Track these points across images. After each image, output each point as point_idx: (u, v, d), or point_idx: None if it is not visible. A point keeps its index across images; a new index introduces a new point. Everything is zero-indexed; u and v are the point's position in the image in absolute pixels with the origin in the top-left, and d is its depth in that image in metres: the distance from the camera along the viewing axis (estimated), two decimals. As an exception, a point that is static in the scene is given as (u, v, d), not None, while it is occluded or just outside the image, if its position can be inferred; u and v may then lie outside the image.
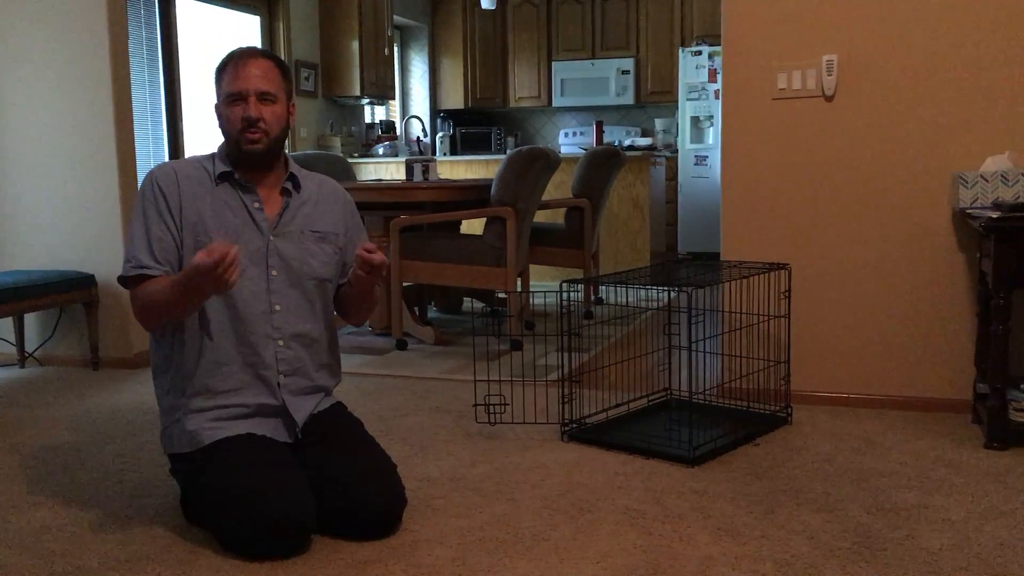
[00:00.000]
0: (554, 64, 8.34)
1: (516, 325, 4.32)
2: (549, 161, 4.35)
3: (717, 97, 7.00)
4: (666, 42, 7.99)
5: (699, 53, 7.47)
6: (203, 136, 5.64)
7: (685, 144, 7.56)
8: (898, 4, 3.06)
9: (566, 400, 2.89)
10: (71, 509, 2.34)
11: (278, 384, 2.19)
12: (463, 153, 8.02)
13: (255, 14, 6.31)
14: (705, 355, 2.98)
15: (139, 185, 4.04)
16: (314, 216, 2.27)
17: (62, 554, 2.06)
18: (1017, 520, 2.17)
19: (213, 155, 2.25)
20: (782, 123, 3.22)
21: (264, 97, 2.16)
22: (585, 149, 6.74)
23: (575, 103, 8.38)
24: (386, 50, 7.21)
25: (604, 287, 5.55)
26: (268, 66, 2.19)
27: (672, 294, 2.84)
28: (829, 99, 3.16)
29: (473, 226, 5.37)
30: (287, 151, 2.37)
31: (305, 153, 5.38)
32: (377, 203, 4.39)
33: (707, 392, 3.08)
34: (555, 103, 8.39)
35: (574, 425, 2.89)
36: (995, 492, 2.36)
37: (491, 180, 4.34)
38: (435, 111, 8.51)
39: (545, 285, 5.82)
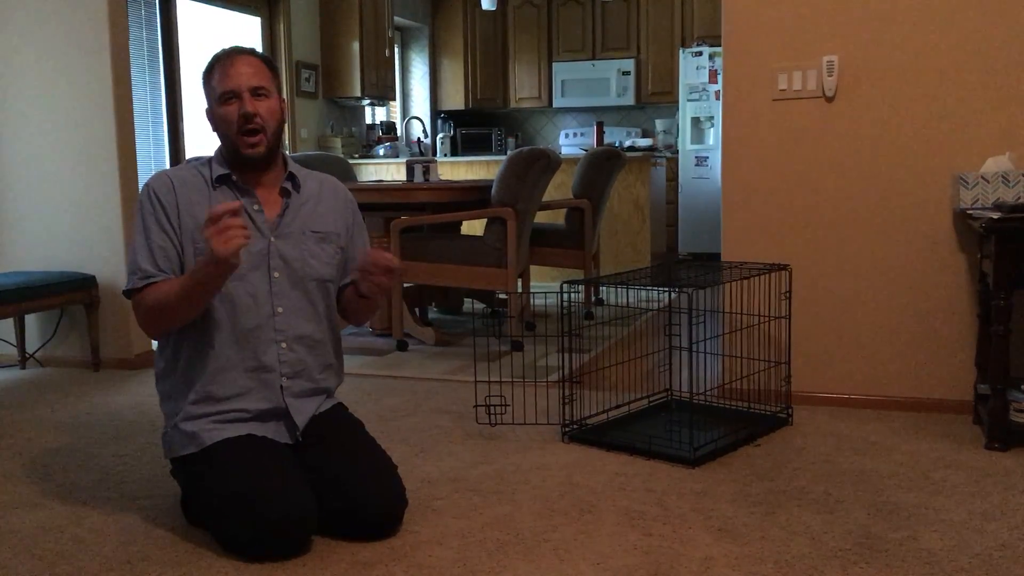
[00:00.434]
0: (555, 65, 8.34)
1: (516, 326, 4.32)
2: (550, 162, 4.35)
3: (718, 98, 7.00)
4: (667, 43, 7.99)
5: (700, 54, 7.47)
6: (204, 137, 5.64)
7: (685, 145, 7.56)
8: (899, 5, 3.06)
9: (567, 401, 2.89)
10: (71, 510, 2.34)
11: (281, 387, 2.19)
12: (464, 154, 8.02)
13: (255, 15, 6.31)
14: (706, 356, 2.98)
15: (140, 187, 4.07)
16: (315, 216, 2.27)
17: (62, 555, 2.06)
18: (1018, 521, 2.17)
19: (210, 159, 2.23)
20: (782, 124, 3.22)
21: (257, 92, 2.15)
22: (585, 150, 6.75)
23: (576, 104, 8.38)
24: (387, 51, 7.21)
25: (604, 288, 5.54)
26: (256, 62, 2.18)
27: (673, 295, 2.84)
28: (830, 100, 3.16)
29: (474, 227, 5.37)
30: (287, 152, 2.36)
31: (306, 154, 5.38)
32: (378, 204, 4.39)
33: (708, 393, 3.08)
34: (556, 104, 8.39)
35: (575, 426, 2.88)
36: (996, 493, 2.36)
37: (491, 181, 4.34)
38: (435, 112, 8.52)
39: (545, 286, 5.82)
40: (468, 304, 5.47)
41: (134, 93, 4.21)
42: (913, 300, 3.12)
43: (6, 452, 2.86)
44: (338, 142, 6.95)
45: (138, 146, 4.22)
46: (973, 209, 2.85)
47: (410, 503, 2.20)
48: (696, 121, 7.54)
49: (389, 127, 7.79)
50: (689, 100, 7.52)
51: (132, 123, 4.11)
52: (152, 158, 5.33)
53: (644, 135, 8.26)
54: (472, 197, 4.46)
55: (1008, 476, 2.48)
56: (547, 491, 2.41)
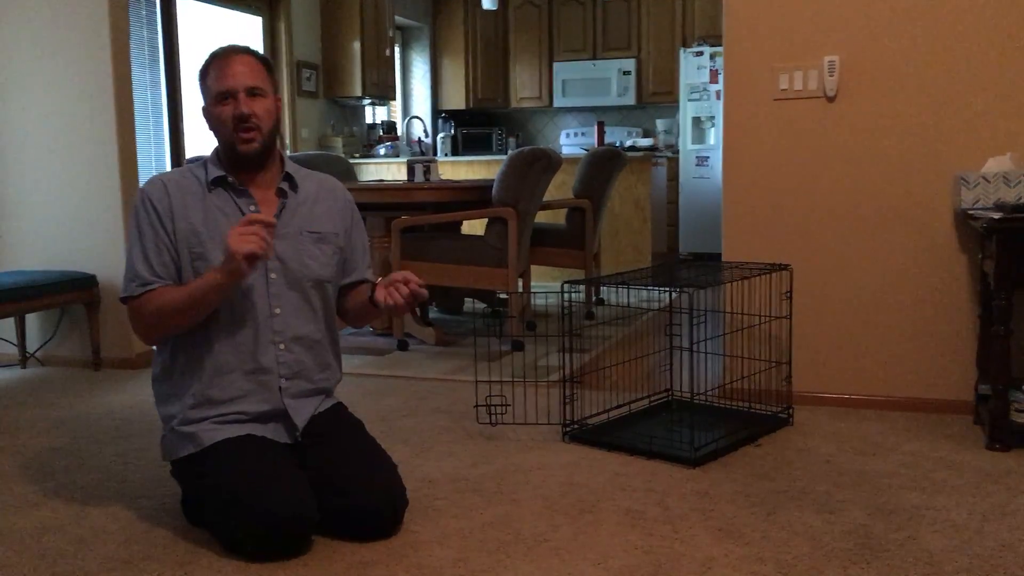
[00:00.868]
0: (555, 65, 8.34)
1: (517, 326, 4.32)
2: (550, 162, 4.34)
3: (718, 98, 7.00)
4: (667, 43, 7.99)
5: (700, 54, 7.47)
6: (204, 136, 5.64)
7: (686, 145, 7.55)
8: (900, 5, 3.05)
9: (567, 401, 2.89)
10: (72, 510, 2.34)
11: (280, 388, 2.18)
12: (464, 154, 8.02)
13: (256, 14, 6.31)
14: (706, 356, 2.98)
15: (139, 186, 4.07)
16: (312, 216, 2.26)
17: (63, 555, 2.06)
18: (1019, 521, 2.17)
19: (205, 161, 2.23)
20: (783, 124, 3.22)
21: (253, 92, 2.14)
22: (586, 150, 6.74)
23: (576, 104, 8.38)
24: (387, 50, 7.21)
25: (605, 288, 5.54)
26: (252, 61, 2.18)
27: (673, 295, 2.84)
28: (831, 100, 3.16)
29: (474, 227, 5.37)
30: (287, 152, 2.36)
31: (306, 153, 5.38)
32: (378, 204, 4.39)
33: (708, 393, 3.08)
34: (556, 104, 8.39)
35: (575, 426, 2.88)
36: (997, 493, 2.35)
37: (492, 181, 4.34)
38: (436, 112, 8.52)
39: (546, 286, 5.81)
40: (469, 304, 5.47)
41: (135, 92, 4.21)
42: (914, 300, 3.12)
43: (7, 451, 2.86)
44: (339, 142, 6.95)
45: (138, 145, 4.22)
46: (974, 209, 2.85)
47: (410, 503, 2.20)
48: (697, 121, 7.54)
49: (390, 127, 7.79)
50: (690, 100, 7.52)
51: (133, 122, 4.11)
52: (153, 157, 5.33)
53: (645, 135, 8.25)
54: (473, 197, 4.46)
55: (1009, 476, 2.48)
56: (548, 491, 2.41)
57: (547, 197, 4.82)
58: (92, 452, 2.83)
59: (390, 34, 7.26)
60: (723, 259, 3.29)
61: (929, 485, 2.42)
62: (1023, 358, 2.96)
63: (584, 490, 2.41)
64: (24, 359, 4.13)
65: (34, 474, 2.64)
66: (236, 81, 2.13)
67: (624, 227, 6.44)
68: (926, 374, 3.12)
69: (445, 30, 8.40)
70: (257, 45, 6.29)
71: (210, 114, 2.18)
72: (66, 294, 3.88)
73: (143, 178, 4.19)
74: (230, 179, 2.19)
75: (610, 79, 8.14)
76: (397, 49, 7.90)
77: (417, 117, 8.03)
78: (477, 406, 3.07)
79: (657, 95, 8.10)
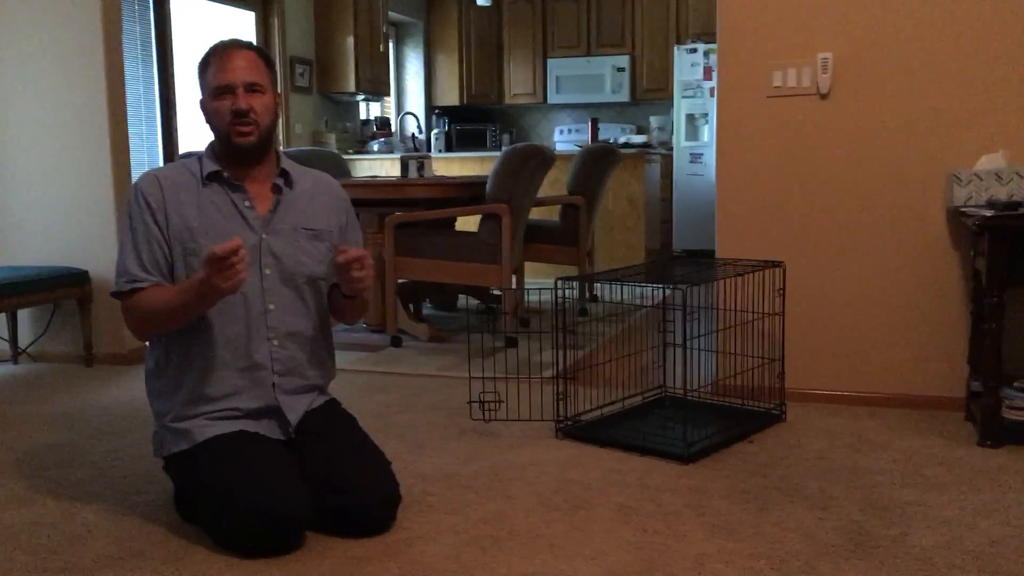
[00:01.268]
0: (549, 61, 8.33)
1: (511, 322, 4.32)
2: (544, 158, 4.34)
3: (712, 95, 7.00)
4: (661, 39, 7.98)
5: (694, 51, 7.47)
6: (197, 132, 5.62)
7: (680, 141, 7.55)
8: (893, 3, 3.06)
9: (561, 397, 2.89)
10: (64, 506, 2.34)
11: (273, 384, 2.18)
12: (458, 150, 8.00)
13: (249, 9, 6.29)
14: (700, 352, 2.98)
15: (132, 181, 4.06)
16: (308, 213, 2.26)
17: (55, 551, 2.05)
18: (1010, 518, 2.18)
19: (200, 156, 2.22)
20: (777, 121, 3.22)
21: (252, 88, 2.14)
22: (580, 146, 6.74)
23: (570, 100, 8.37)
24: (381, 46, 7.19)
25: (599, 284, 5.55)
26: (252, 57, 2.17)
27: (667, 291, 2.84)
28: (824, 97, 3.16)
29: (468, 223, 5.35)
30: (280, 147, 2.35)
31: (300, 149, 5.36)
32: (372, 199, 4.38)
33: (702, 389, 3.09)
34: (550, 100, 8.38)
35: (569, 422, 2.89)
36: (988, 490, 2.36)
37: (486, 177, 4.34)
38: (430, 108, 8.50)
39: (540, 282, 5.80)
40: (462, 300, 5.46)
41: (127, 87, 4.19)
42: (906, 297, 3.12)
43: (-2, 447, 2.85)
44: (332, 137, 6.93)
45: (131, 141, 4.21)
46: (966, 207, 2.86)
47: (404, 499, 2.20)
48: (691, 118, 7.54)
49: (383, 123, 7.77)
50: (684, 97, 7.51)
51: (125, 117, 4.09)
52: (145, 152, 5.31)
53: (639, 132, 8.25)
54: (467, 193, 4.45)
55: (1000, 473, 2.49)
56: (541, 487, 2.41)
57: (541, 193, 4.82)
58: (84, 448, 2.83)
59: (384, 30, 7.24)
60: (716, 256, 3.30)
61: (921, 481, 2.43)
62: (1014, 355, 2.97)
63: (577, 486, 2.41)
64: (16, 355, 4.12)
65: (26, 470, 2.63)
66: (235, 76, 2.12)
67: (618, 224, 6.44)
68: (918, 371, 3.13)
69: (439, 26, 8.38)
70: (249, 40, 6.26)
71: (207, 107, 2.17)
72: (58, 290, 3.87)
73: (136, 174, 4.17)
74: (225, 174, 2.18)
75: (604, 76, 8.13)
76: (391, 45, 7.88)
77: (411, 113, 8.02)
78: (470, 402, 3.07)
79: (651, 92, 8.10)
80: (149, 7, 5.37)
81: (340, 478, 2.10)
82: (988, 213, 2.64)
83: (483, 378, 3.19)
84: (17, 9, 3.98)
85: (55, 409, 3.31)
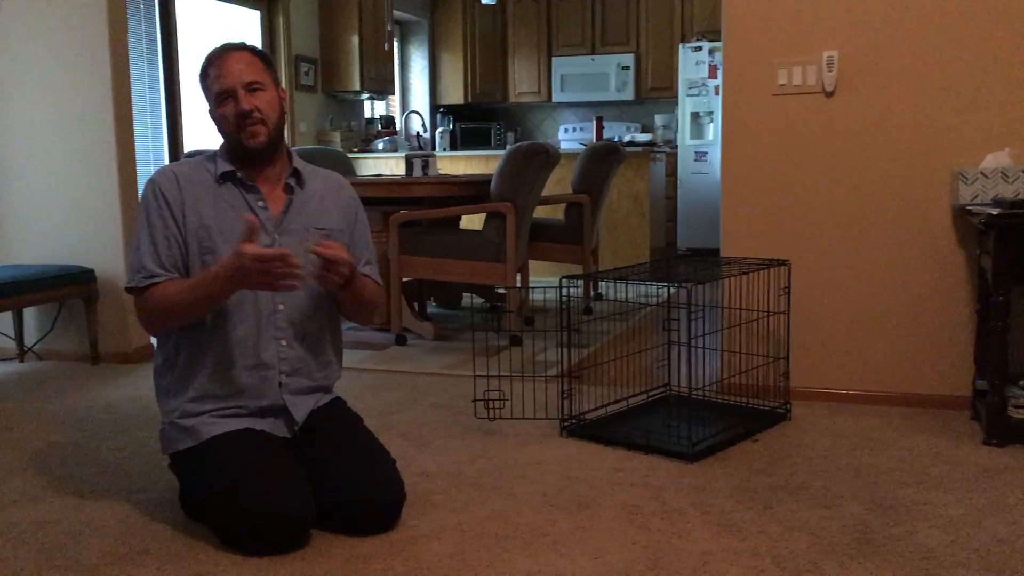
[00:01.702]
0: (554, 59, 8.33)
1: (515, 321, 4.32)
2: (549, 157, 4.34)
3: (717, 93, 6.99)
4: (666, 38, 7.98)
5: (699, 49, 7.46)
6: (202, 131, 5.63)
7: (685, 140, 7.55)
8: (898, 1, 3.05)
9: (565, 396, 2.89)
10: (70, 503, 2.34)
11: (279, 384, 2.18)
12: (463, 148, 8.01)
13: (255, 8, 6.30)
14: (704, 351, 2.98)
15: (139, 180, 4.07)
16: (319, 213, 2.26)
17: (61, 548, 2.06)
18: (1015, 517, 2.17)
19: (215, 154, 2.23)
20: (782, 119, 3.22)
21: (252, 87, 2.14)
22: (585, 145, 6.74)
23: (575, 99, 8.37)
24: (386, 45, 7.20)
25: (604, 283, 5.55)
26: (248, 56, 2.17)
27: (672, 290, 2.84)
28: (829, 95, 3.16)
29: (473, 222, 5.36)
30: (289, 146, 2.35)
31: (305, 148, 5.37)
32: (376, 198, 4.38)
33: (706, 388, 3.08)
34: (555, 98, 8.38)
35: (573, 421, 2.89)
36: (993, 489, 2.36)
37: (491, 175, 4.34)
38: (435, 106, 8.51)
39: (544, 281, 5.81)
40: (467, 299, 5.47)
41: (133, 87, 4.21)
42: (912, 296, 3.12)
43: (5, 446, 2.86)
44: (337, 136, 6.94)
45: (137, 140, 4.22)
46: (972, 205, 2.85)
47: (408, 497, 2.20)
48: (695, 116, 7.53)
49: (388, 121, 7.78)
50: (688, 95, 7.51)
51: (131, 117, 4.11)
52: (151, 152, 5.32)
53: (643, 130, 8.25)
54: (471, 192, 4.45)
55: (1005, 472, 2.49)
56: (545, 486, 2.41)
57: (545, 192, 4.82)
58: (90, 446, 2.83)
59: (389, 28, 7.25)
60: (721, 254, 3.29)
61: (926, 480, 2.43)
62: (1020, 354, 2.97)
63: (582, 485, 2.41)
64: (22, 353, 4.13)
65: (32, 468, 2.64)
66: (234, 79, 2.12)
67: (622, 222, 6.44)
68: (923, 369, 3.12)
69: (444, 24, 8.38)
70: (255, 39, 6.28)
71: (214, 115, 2.18)
72: (64, 288, 3.88)
73: (141, 172, 4.19)
74: (239, 174, 2.19)
75: (609, 74, 8.13)
76: (396, 43, 7.89)
77: (416, 112, 8.02)
78: (475, 401, 3.07)
79: (656, 90, 8.10)
80: (154, 6, 5.38)
81: (345, 476, 2.10)
82: (994, 211, 2.63)
83: (487, 376, 3.19)
84: (21, 9, 3.99)
85: (61, 407, 3.32)
